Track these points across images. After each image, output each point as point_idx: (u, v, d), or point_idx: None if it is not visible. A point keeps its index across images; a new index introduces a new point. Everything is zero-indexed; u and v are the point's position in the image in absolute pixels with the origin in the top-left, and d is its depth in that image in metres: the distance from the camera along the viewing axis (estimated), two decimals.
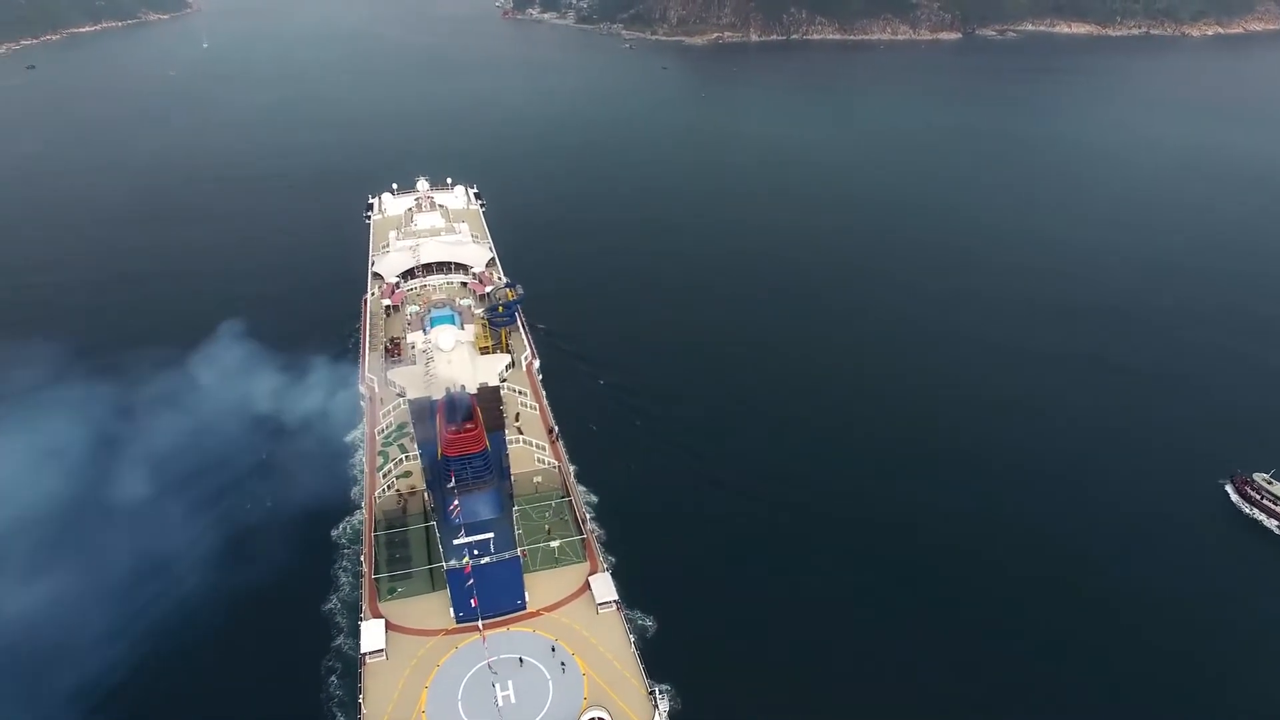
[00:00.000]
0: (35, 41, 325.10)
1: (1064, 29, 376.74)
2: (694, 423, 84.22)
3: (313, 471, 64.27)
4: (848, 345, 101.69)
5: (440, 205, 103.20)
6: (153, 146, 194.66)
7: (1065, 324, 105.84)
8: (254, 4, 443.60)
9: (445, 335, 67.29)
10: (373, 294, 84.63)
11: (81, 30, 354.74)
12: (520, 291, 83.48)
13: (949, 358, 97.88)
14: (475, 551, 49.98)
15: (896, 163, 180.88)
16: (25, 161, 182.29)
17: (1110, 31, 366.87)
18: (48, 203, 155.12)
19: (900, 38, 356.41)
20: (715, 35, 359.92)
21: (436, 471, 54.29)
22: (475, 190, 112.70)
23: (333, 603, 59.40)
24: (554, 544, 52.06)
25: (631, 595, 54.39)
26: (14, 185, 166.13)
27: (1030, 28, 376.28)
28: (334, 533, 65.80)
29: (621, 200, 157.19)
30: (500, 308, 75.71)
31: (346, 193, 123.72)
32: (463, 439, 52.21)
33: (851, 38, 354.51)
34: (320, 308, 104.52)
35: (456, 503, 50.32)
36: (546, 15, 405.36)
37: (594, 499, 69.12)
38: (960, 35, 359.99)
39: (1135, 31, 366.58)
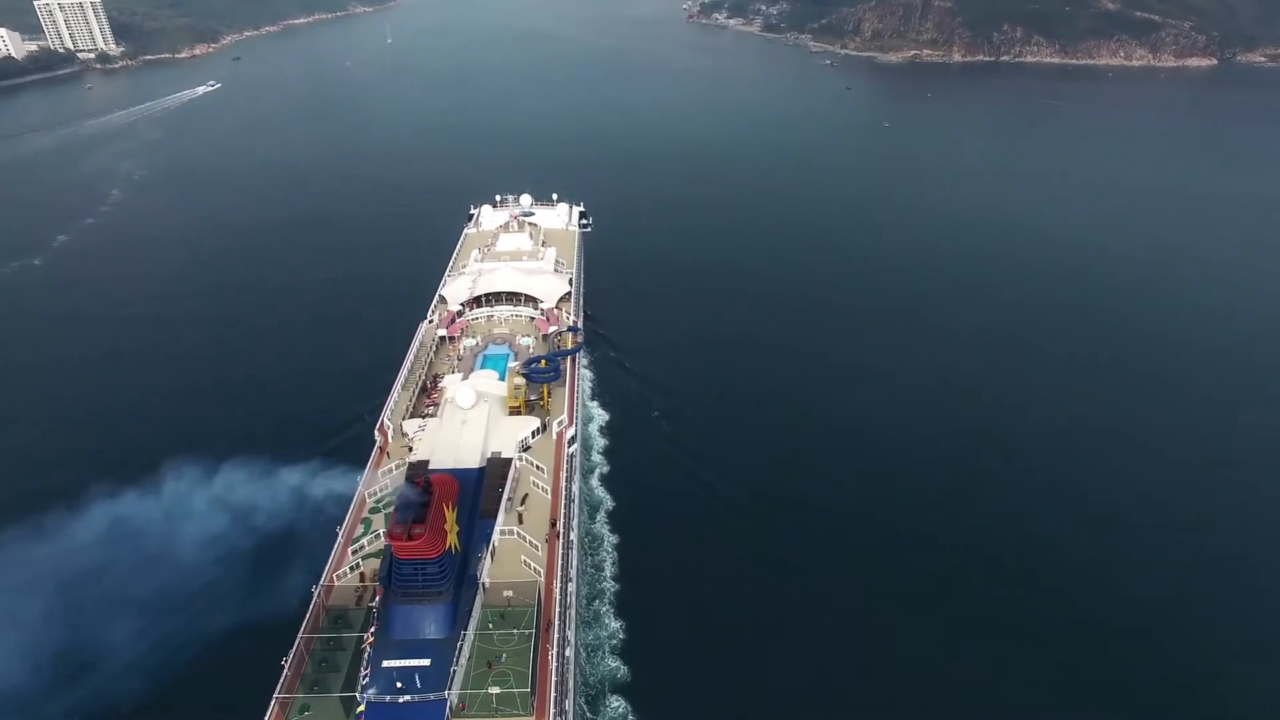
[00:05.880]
0: (257, 33, 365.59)
1: None
2: (802, 538, 69.78)
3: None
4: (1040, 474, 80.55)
5: (533, 225, 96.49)
6: (311, 135, 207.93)
7: None
8: None
9: (465, 391, 59.14)
10: (430, 321, 78.87)
11: (296, 22, 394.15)
12: (580, 340, 74.47)
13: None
14: (399, 684, 41.23)
15: (1120, 240, 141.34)
16: (176, 158, 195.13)
17: None
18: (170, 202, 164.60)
19: (1134, 64, 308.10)
20: (913, 53, 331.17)
21: (388, 567, 46.09)
22: (581, 209, 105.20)
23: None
24: (494, 691, 41.88)
25: None
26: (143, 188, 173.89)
27: None
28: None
29: (751, 243, 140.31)
30: (543, 361, 66.69)
31: (458, 201, 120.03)
32: (410, 547, 43.48)
33: (1073, 62, 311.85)
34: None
35: (372, 630, 41.70)
36: (732, 21, 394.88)
37: (610, 627, 57.79)
38: (1214, 62, 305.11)
39: None
